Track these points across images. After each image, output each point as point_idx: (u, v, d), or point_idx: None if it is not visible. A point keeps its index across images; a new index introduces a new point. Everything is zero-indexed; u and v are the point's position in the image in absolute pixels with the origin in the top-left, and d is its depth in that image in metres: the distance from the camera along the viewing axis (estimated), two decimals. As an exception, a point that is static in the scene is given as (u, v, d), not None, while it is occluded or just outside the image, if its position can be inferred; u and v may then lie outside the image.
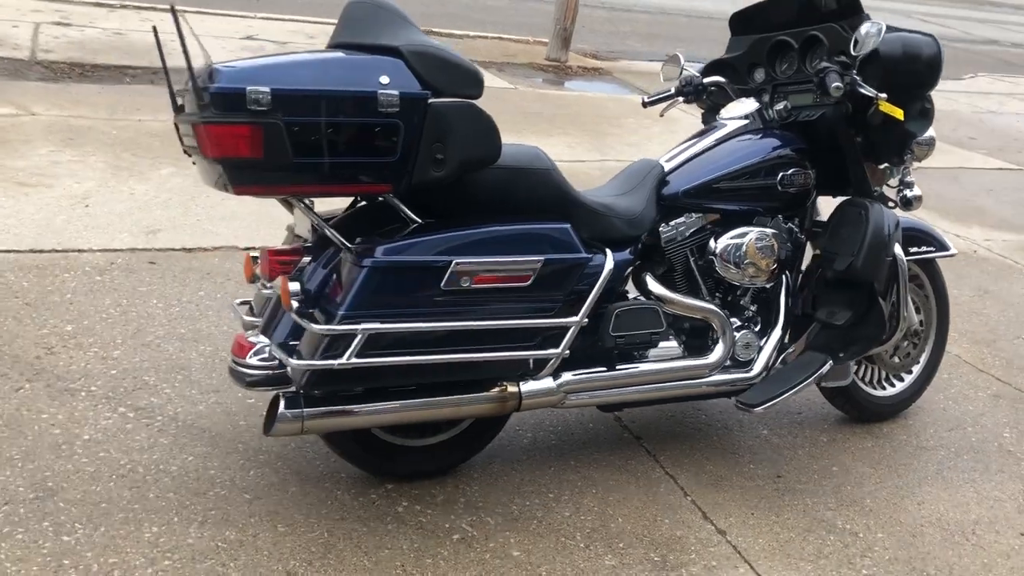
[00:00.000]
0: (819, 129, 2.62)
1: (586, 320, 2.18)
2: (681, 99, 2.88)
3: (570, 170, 2.59)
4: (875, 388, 2.95)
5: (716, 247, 2.48)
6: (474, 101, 2.03)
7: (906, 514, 2.53)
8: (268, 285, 2.26)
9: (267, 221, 3.87)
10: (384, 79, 1.92)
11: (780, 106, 2.65)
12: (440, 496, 2.33)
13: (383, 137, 1.93)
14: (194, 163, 2.15)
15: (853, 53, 2.39)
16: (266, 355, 2.11)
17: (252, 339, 2.15)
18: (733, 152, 2.52)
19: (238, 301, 2.47)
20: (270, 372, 2.09)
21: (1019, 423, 3.11)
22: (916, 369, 2.99)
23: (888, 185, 2.74)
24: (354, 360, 1.93)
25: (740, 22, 2.86)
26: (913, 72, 2.48)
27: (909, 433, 2.96)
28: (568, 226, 2.15)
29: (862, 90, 2.40)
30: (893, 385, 2.99)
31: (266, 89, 1.83)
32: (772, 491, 2.55)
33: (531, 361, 2.18)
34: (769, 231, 2.52)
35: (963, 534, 2.48)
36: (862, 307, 2.54)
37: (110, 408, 2.49)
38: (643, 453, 2.64)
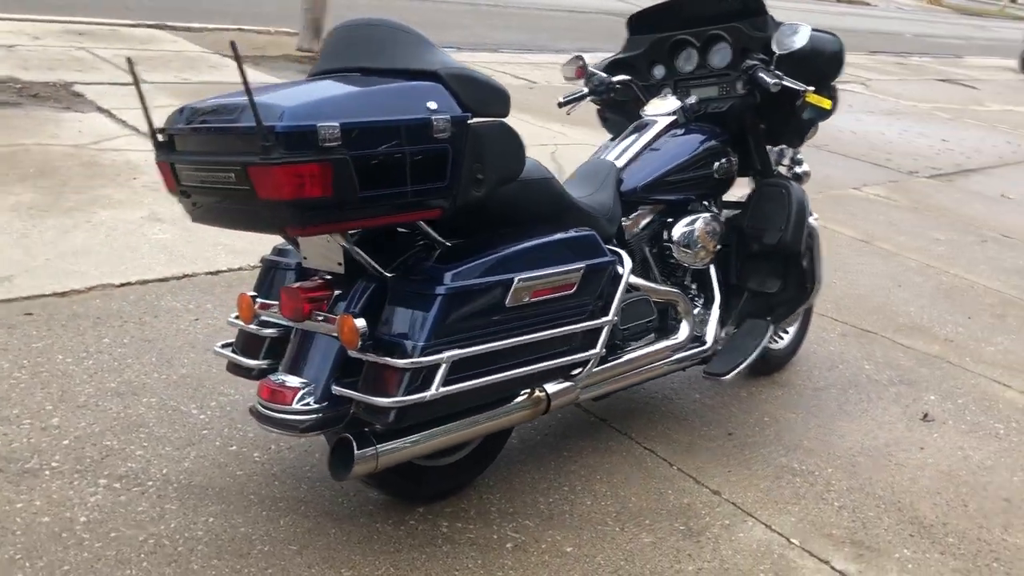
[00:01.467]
0: (727, 119, 2.91)
1: (616, 318, 2.31)
2: (591, 97, 3.05)
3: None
4: (771, 342, 3.33)
5: (673, 235, 2.69)
6: (504, 119, 2.07)
7: (837, 448, 2.92)
8: (277, 323, 2.15)
9: (121, 252, 3.55)
10: (432, 104, 1.91)
11: (691, 100, 2.91)
12: (472, 510, 2.36)
13: (435, 162, 1.92)
14: (195, 204, 2.01)
15: (777, 51, 2.68)
16: (310, 398, 2.02)
17: (286, 383, 2.04)
18: (676, 147, 2.74)
19: (219, 344, 2.31)
20: (321, 415, 2.01)
21: (871, 356, 3.66)
22: (797, 322, 3.41)
23: (782, 164, 3.10)
24: (442, 389, 1.92)
25: (639, 22, 3.07)
26: (819, 66, 2.82)
27: (802, 378, 3.38)
28: (594, 232, 2.25)
29: (790, 84, 2.71)
30: (782, 338, 3.39)
31: (335, 124, 1.76)
32: (732, 448, 2.84)
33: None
34: (708, 215, 2.77)
35: (884, 457, 2.91)
36: (787, 274, 2.88)
37: (89, 482, 2.24)
38: (616, 433, 2.82)
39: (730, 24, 2.87)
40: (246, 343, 2.26)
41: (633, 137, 2.80)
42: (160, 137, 2.00)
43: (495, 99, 2.05)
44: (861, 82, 11.98)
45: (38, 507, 2.13)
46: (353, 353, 1.97)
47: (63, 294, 3.15)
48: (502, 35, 12.02)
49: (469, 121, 1.96)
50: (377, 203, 1.87)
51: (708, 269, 2.87)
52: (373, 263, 2.03)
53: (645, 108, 2.91)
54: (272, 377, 2.08)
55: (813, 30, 2.76)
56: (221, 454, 2.43)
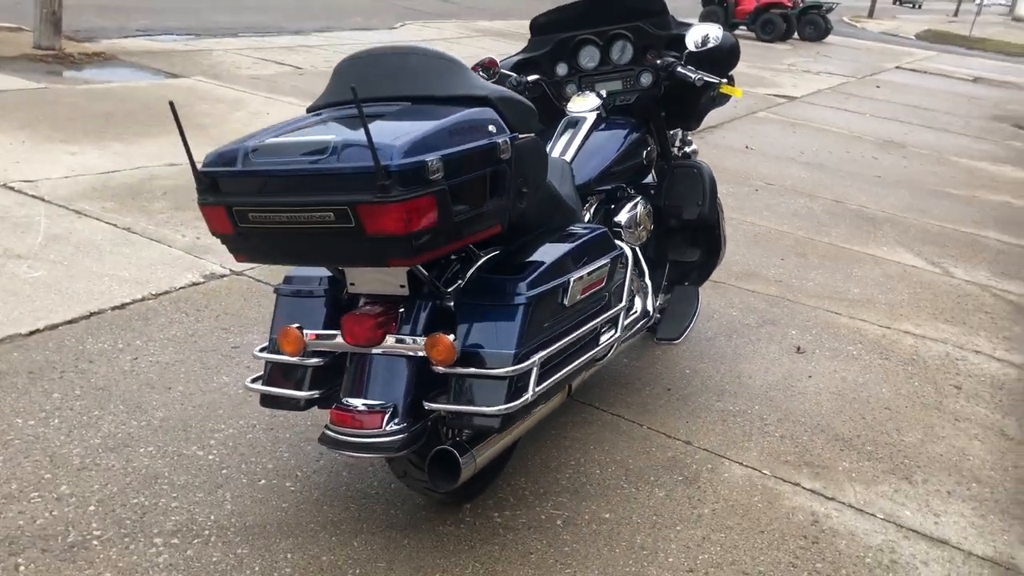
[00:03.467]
0: (633, 110, 3.22)
1: (627, 302, 2.55)
2: None
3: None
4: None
5: (621, 219, 2.96)
6: (534, 135, 2.23)
7: (752, 388, 3.38)
8: (323, 351, 2.17)
9: (3, 298, 3.24)
10: (492, 128, 2.04)
11: (603, 94, 3.18)
12: (510, 498, 2.53)
13: (499, 181, 2.06)
14: (254, 244, 2.00)
15: (694, 49, 3.01)
16: (395, 419, 2.08)
17: (366, 408, 2.08)
18: (611, 140, 3.00)
19: (250, 380, 2.28)
20: (409, 433, 2.08)
21: (732, 303, 4.18)
22: (680, 282, 3.84)
23: (674, 146, 3.47)
24: (536, 390, 2.07)
25: (542, 25, 3.28)
26: (718, 59, 3.18)
27: (692, 331, 3.81)
28: (606, 229, 2.46)
29: (709, 78, 3.05)
30: (669, 298, 3.80)
31: (437, 156, 1.85)
32: (677, 401, 3.20)
33: None
34: (641, 198, 3.08)
35: (788, 388, 3.41)
36: (702, 242, 3.27)
37: (145, 544, 2.14)
38: (583, 405, 3.08)
39: (633, 24, 3.16)
40: (287, 375, 2.25)
41: (570, 133, 3.02)
42: (204, 181, 1.96)
43: (530, 116, 2.21)
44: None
45: (111, 580, 2.03)
46: (441, 369, 2.06)
47: (-29, 352, 2.85)
48: (235, 18, 11.57)
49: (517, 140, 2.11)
50: (465, 225, 1.98)
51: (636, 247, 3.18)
52: (436, 282, 2.12)
53: (569, 106, 3.14)
54: (345, 404, 2.11)
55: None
56: (254, 490, 2.40)
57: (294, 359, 2.21)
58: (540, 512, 2.48)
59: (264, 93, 7.14)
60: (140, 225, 4.06)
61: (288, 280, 2.33)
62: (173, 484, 2.38)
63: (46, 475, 2.34)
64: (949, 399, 3.50)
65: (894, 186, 7.01)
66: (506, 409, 2.03)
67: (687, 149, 3.48)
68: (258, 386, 2.26)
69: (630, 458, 2.80)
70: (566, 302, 2.22)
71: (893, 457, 3.02)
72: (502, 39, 12.71)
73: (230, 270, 3.73)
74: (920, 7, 45.65)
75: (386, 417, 2.06)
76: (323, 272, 2.28)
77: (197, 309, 3.35)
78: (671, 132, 3.42)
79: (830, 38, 19.67)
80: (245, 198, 1.94)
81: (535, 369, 2.07)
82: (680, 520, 2.53)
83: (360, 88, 2.17)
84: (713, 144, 7.81)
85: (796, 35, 19.05)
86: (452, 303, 2.16)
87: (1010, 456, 3.13)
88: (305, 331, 2.20)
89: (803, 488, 2.77)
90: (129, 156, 5.11)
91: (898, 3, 44.64)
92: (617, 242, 2.60)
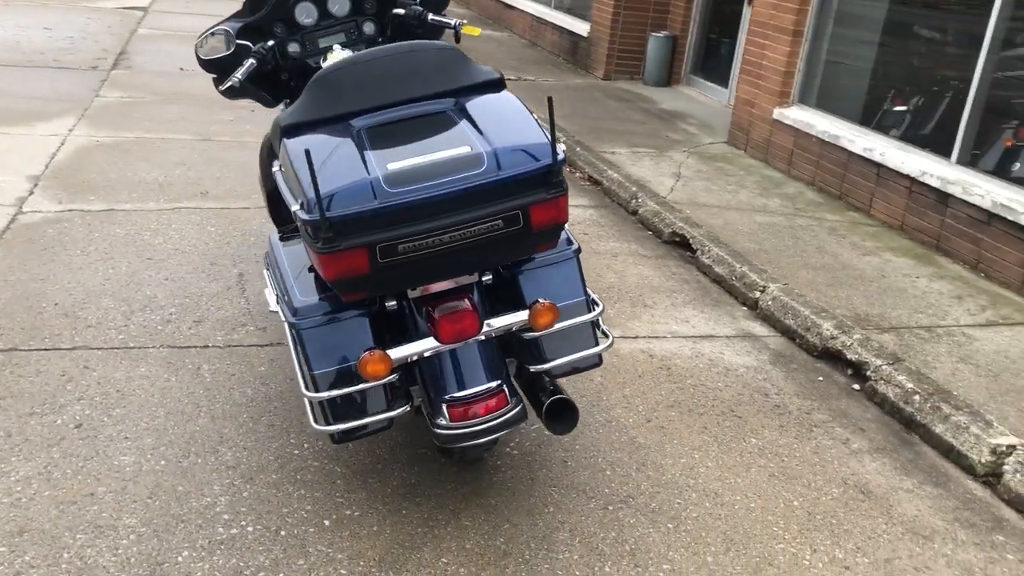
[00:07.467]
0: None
1: None
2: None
3: None
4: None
5: None
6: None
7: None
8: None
9: None
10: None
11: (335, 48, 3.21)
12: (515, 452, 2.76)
13: None
14: (397, 274, 1.97)
15: (429, -3, 3.20)
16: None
17: (485, 391, 2.17)
18: None
19: (314, 423, 2.15)
20: (523, 401, 2.25)
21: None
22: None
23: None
24: (604, 325, 2.39)
25: (260, -14, 3.10)
26: (441, 3, 3.37)
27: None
28: None
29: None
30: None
31: (562, 145, 2.04)
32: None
33: None
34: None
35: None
36: None
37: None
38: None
39: (350, -24, 3.21)
40: (359, 401, 2.17)
41: None
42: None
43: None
44: None
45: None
46: (534, 334, 2.24)
47: None
48: None
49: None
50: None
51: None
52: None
53: (326, 66, 3.09)
54: (459, 398, 2.16)
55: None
56: (336, 533, 2.26)
57: (372, 383, 2.14)
58: (520, 457, 2.73)
59: None
60: None
61: (300, 313, 2.17)
62: (264, 567, 2.11)
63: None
64: (587, 244, 4.47)
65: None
66: (608, 346, 2.34)
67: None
68: (336, 425, 2.13)
69: (512, 367, 3.19)
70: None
71: (622, 297, 3.89)
72: None
73: (-84, 353, 2.86)
74: None
75: (508, 394, 2.20)
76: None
77: (-36, 408, 2.60)
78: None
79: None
80: (393, 232, 1.87)
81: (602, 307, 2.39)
82: (601, 392, 3.07)
83: (380, 93, 2.14)
84: (144, 71, 7.40)
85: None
86: (488, 277, 2.30)
87: (649, 268, 4.23)
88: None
89: (680, 335, 3.50)
90: None
91: None
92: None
